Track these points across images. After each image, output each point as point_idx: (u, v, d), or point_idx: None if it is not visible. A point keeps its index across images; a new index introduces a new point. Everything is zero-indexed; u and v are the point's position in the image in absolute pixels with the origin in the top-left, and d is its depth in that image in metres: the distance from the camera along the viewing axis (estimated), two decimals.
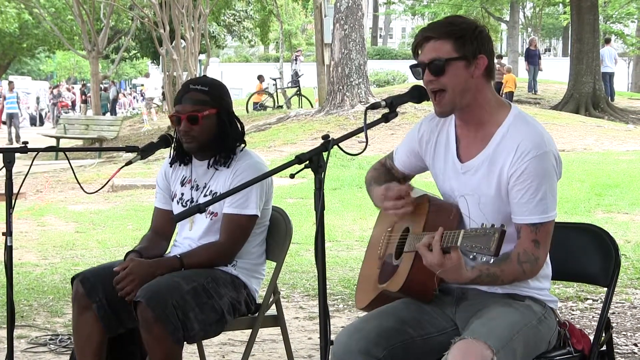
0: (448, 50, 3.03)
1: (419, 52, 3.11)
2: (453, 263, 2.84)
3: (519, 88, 29.02)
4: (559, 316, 3.21)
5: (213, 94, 3.96)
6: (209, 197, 3.97)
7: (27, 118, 42.54)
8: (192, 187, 4.08)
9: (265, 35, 48.99)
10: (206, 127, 3.93)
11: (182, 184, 4.12)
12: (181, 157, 4.11)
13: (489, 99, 3.11)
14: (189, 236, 4.07)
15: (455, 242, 2.78)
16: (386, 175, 3.46)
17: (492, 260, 2.67)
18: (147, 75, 41.00)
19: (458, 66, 3.03)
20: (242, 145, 4.06)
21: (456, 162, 3.18)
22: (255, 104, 28.52)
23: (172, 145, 4.09)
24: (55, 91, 42.19)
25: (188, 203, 4.06)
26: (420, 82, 3.13)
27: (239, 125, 4.05)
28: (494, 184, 3.07)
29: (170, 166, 4.17)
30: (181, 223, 4.10)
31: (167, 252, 4.14)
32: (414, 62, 3.14)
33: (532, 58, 28.96)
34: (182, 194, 4.10)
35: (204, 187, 4.04)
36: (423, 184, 3.45)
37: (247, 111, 27.03)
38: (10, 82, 34.27)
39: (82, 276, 3.90)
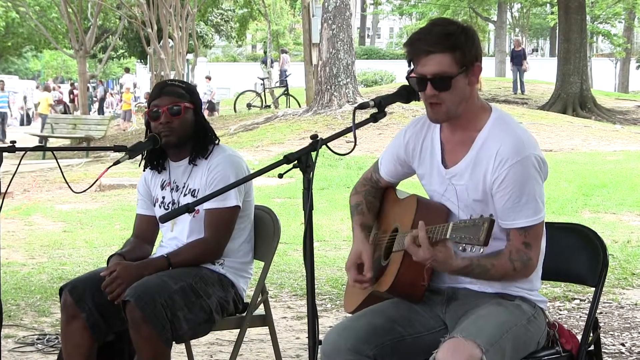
0: (450, 65, 2.97)
1: (415, 62, 3.04)
2: (443, 254, 2.85)
3: (505, 89, 29.23)
4: (548, 317, 3.21)
5: (190, 91, 4.04)
6: (189, 196, 3.99)
7: (18, 117, 42.28)
8: (172, 189, 4.08)
9: (242, 33, 48.52)
10: (186, 121, 3.96)
11: (162, 187, 4.12)
12: (155, 164, 4.11)
13: (475, 103, 3.11)
14: (175, 236, 4.06)
15: (444, 234, 2.78)
16: (372, 195, 3.44)
17: (481, 250, 2.65)
18: (126, 70, 40.80)
19: (460, 79, 3.00)
20: (217, 141, 4.09)
21: (441, 168, 3.17)
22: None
23: (144, 154, 4.07)
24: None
25: (170, 205, 4.06)
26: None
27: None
28: (480, 188, 3.07)
29: (144, 170, 4.17)
30: (165, 224, 4.09)
31: (152, 254, 4.12)
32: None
33: (516, 58, 29.23)
34: (163, 197, 4.10)
35: (184, 187, 4.04)
36: (411, 184, 3.44)
37: (235, 111, 26.98)
38: (1, 81, 34.08)
39: (70, 286, 3.87)
